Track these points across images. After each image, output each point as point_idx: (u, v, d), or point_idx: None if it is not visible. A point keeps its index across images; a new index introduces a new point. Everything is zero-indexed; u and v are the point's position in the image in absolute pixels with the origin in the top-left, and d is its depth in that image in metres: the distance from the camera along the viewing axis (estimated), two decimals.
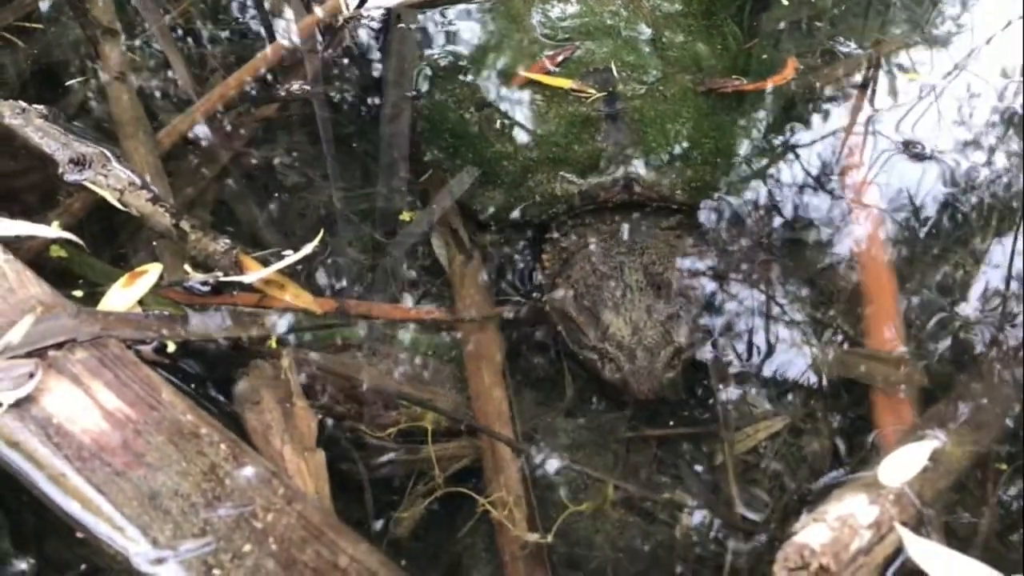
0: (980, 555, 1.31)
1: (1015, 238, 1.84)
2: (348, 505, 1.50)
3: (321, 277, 1.83)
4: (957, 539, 1.40)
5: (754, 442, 1.65)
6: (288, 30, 2.22)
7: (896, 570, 1.27)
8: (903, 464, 1.33)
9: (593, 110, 1.87)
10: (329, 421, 1.53)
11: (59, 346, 1.37)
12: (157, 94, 2.14)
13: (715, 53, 2.04)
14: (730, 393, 1.70)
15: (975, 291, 1.75)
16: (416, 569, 1.47)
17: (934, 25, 2.31)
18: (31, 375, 1.32)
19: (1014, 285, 1.77)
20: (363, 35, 2.23)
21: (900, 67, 2.21)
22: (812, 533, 1.17)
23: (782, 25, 2.30)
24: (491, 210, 1.87)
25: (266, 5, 2.30)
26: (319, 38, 2.22)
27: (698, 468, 1.63)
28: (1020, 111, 2.07)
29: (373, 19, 2.20)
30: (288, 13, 2.28)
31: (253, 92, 2.12)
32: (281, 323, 1.59)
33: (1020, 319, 1.69)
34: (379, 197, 1.96)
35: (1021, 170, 1.93)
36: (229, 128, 2.07)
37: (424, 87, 2.05)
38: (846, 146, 2.02)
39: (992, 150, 2.00)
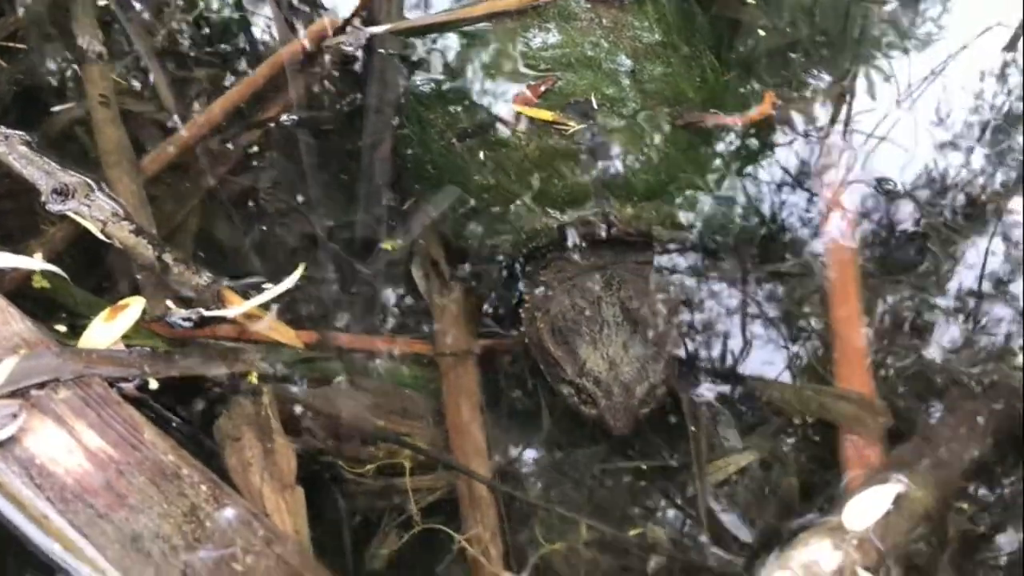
0: None
1: (979, 277, 1.89)
2: (323, 536, 1.52)
3: (301, 308, 1.85)
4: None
5: (725, 475, 1.70)
6: (273, 55, 2.23)
7: None
8: (867, 508, 1.37)
9: (573, 143, 1.90)
10: (307, 457, 1.55)
11: (42, 385, 1.39)
12: (141, 118, 2.15)
13: (694, 86, 2.07)
14: (702, 427, 1.73)
15: (942, 331, 1.80)
16: None
17: (909, 55, 2.35)
18: (14, 416, 1.34)
19: (980, 324, 1.82)
20: (347, 62, 2.25)
21: (873, 97, 2.24)
22: None
23: (760, 56, 2.34)
24: (472, 243, 1.90)
25: (252, 29, 2.31)
26: (304, 64, 2.23)
27: (671, 501, 1.67)
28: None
29: (356, 46, 2.22)
30: (273, 38, 2.30)
31: (237, 118, 2.14)
32: (262, 358, 1.61)
33: (985, 358, 1.74)
34: (360, 226, 1.99)
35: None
36: (213, 154, 2.09)
37: (406, 116, 2.07)
38: (822, 180, 2.06)
39: (964, 182, 2.05)
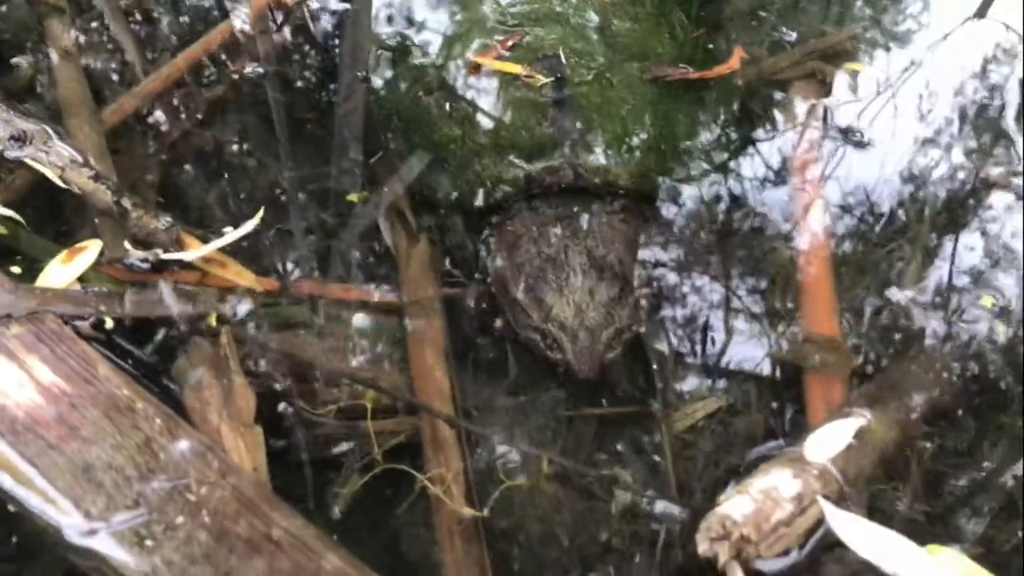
0: (901, 528, 1.36)
1: (957, 233, 1.89)
2: (288, 482, 1.51)
3: (269, 257, 1.84)
4: (880, 513, 1.45)
5: (692, 421, 1.69)
6: (240, 9, 2.21)
7: (817, 540, 1.31)
8: (828, 441, 1.37)
9: (541, 96, 1.89)
10: (269, 398, 1.53)
11: None
12: (106, 73, 2.12)
13: (662, 42, 2.06)
14: (670, 373, 1.73)
15: (909, 277, 1.80)
16: (355, 544, 1.49)
17: (890, 18, 2.35)
18: None
19: (948, 272, 1.82)
20: (317, 15, 2.23)
21: (849, 58, 2.24)
22: (735, 504, 1.21)
23: (731, 15, 2.33)
24: (439, 193, 1.89)
25: None
26: (272, 18, 2.21)
27: (637, 447, 1.67)
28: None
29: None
30: None
31: (203, 71, 2.11)
32: (221, 301, 1.59)
33: (951, 306, 1.74)
34: (329, 178, 1.97)
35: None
36: (177, 107, 2.06)
37: (375, 69, 2.06)
38: (792, 134, 2.06)
39: (939, 142, 2.05)
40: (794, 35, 2.27)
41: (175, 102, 2.06)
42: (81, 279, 1.58)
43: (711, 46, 2.17)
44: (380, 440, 1.56)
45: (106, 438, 1.28)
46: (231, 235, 1.64)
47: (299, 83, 2.14)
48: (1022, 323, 1.72)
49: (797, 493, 1.26)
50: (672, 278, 1.85)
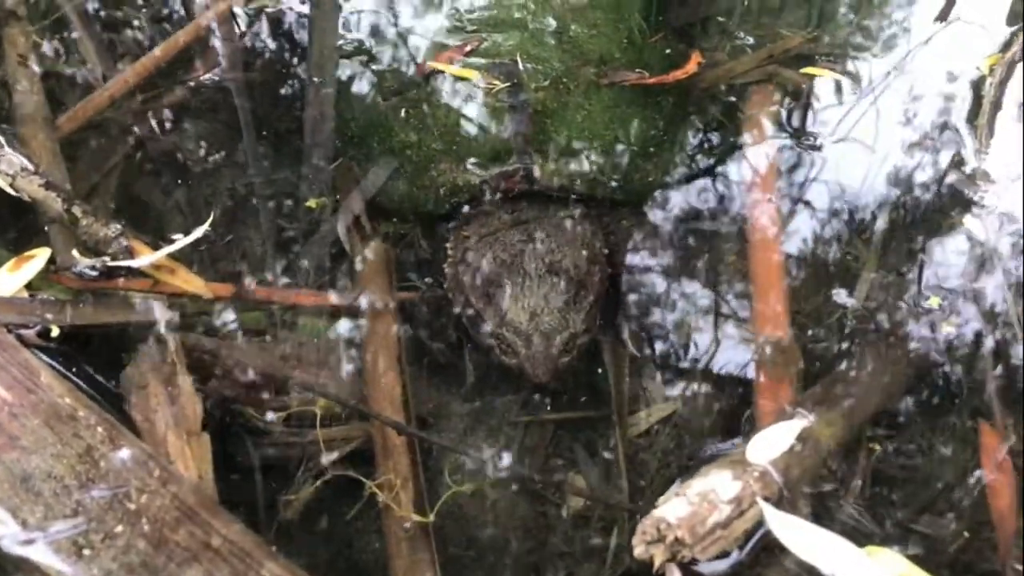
0: (846, 530, 1.37)
1: (911, 237, 1.91)
2: (239, 490, 1.51)
3: (225, 263, 1.84)
4: (825, 514, 1.46)
5: (647, 425, 1.70)
6: (203, 14, 2.21)
7: (757, 542, 1.32)
8: (771, 442, 1.38)
9: (498, 101, 1.90)
10: (218, 405, 1.53)
11: None
12: (65, 79, 2.12)
13: (620, 46, 2.07)
14: (625, 378, 1.74)
15: (861, 280, 1.81)
16: (306, 551, 1.49)
17: (846, 23, 2.37)
18: None
19: (899, 275, 1.83)
20: (280, 22, 2.23)
21: (807, 63, 2.25)
22: (671, 507, 1.21)
23: (691, 20, 2.34)
24: (395, 199, 1.89)
25: None
26: (236, 22, 2.21)
27: (592, 451, 1.67)
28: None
29: (292, 3, 2.21)
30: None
31: (162, 77, 2.11)
32: (169, 307, 1.60)
33: (899, 309, 1.76)
34: (289, 184, 1.98)
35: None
36: (136, 113, 2.06)
37: (336, 73, 2.06)
38: (749, 138, 2.07)
39: (896, 145, 2.05)
40: (751, 40, 2.28)
41: (133, 108, 2.05)
42: (31, 287, 1.58)
43: (669, 51, 2.18)
44: (335, 446, 1.57)
45: (46, 447, 1.28)
46: (180, 242, 1.64)
47: (261, 90, 2.14)
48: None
49: (736, 495, 1.27)
50: (628, 283, 1.86)
